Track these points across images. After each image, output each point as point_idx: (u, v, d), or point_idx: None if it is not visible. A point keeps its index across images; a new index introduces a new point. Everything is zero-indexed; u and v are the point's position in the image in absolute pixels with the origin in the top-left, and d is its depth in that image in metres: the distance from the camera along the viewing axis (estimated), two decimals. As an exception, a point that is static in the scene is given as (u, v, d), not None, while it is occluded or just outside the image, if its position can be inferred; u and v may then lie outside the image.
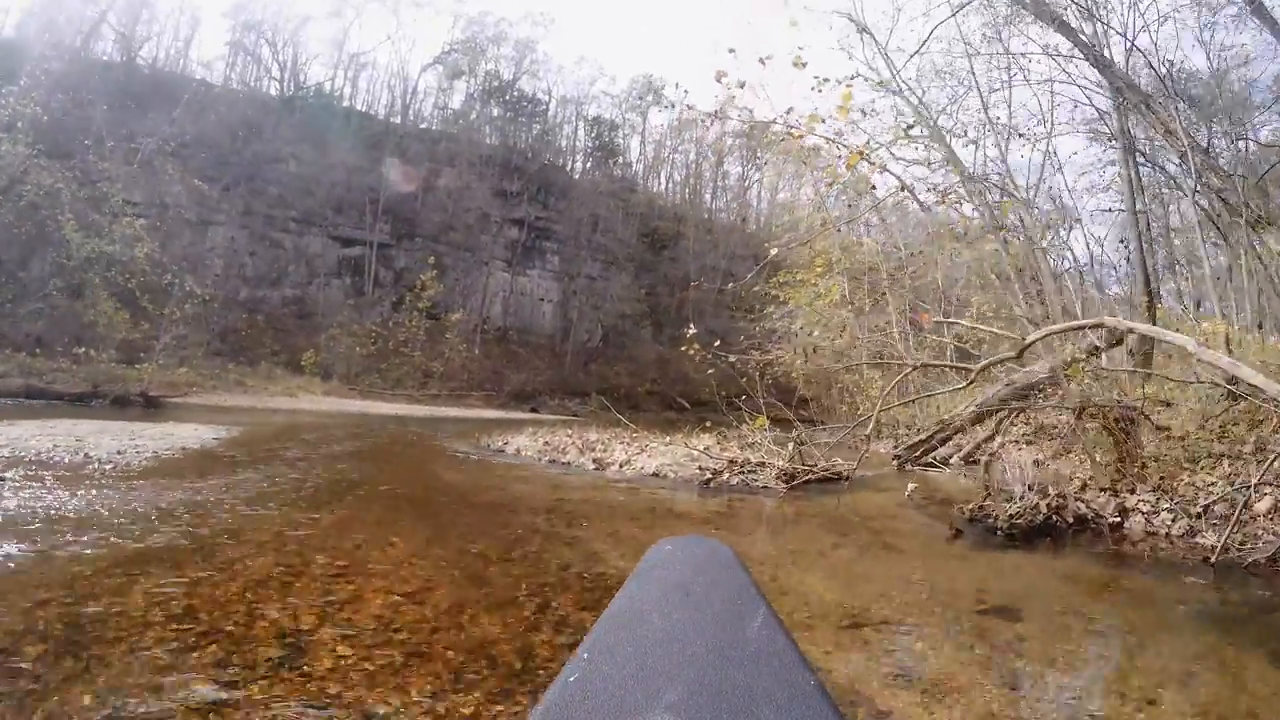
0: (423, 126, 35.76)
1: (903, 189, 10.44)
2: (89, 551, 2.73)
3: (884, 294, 11.30)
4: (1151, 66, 9.51)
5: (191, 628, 2.05)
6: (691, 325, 7.56)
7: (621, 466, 6.78)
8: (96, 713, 1.51)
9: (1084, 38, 9.13)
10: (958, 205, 10.92)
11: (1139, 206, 10.03)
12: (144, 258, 18.38)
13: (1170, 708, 1.88)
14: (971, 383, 5.87)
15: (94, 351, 16.21)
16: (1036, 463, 5.99)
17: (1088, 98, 10.96)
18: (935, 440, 8.30)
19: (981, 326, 7.93)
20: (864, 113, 10.28)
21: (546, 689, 0.44)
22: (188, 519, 3.43)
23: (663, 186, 43.60)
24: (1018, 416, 7.68)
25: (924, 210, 12.03)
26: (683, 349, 7.97)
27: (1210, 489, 4.77)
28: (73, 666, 1.73)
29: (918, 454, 8.16)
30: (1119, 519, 4.70)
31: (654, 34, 78.45)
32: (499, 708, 1.64)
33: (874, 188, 10.00)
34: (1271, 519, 4.02)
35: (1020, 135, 11.91)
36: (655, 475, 6.40)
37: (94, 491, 3.96)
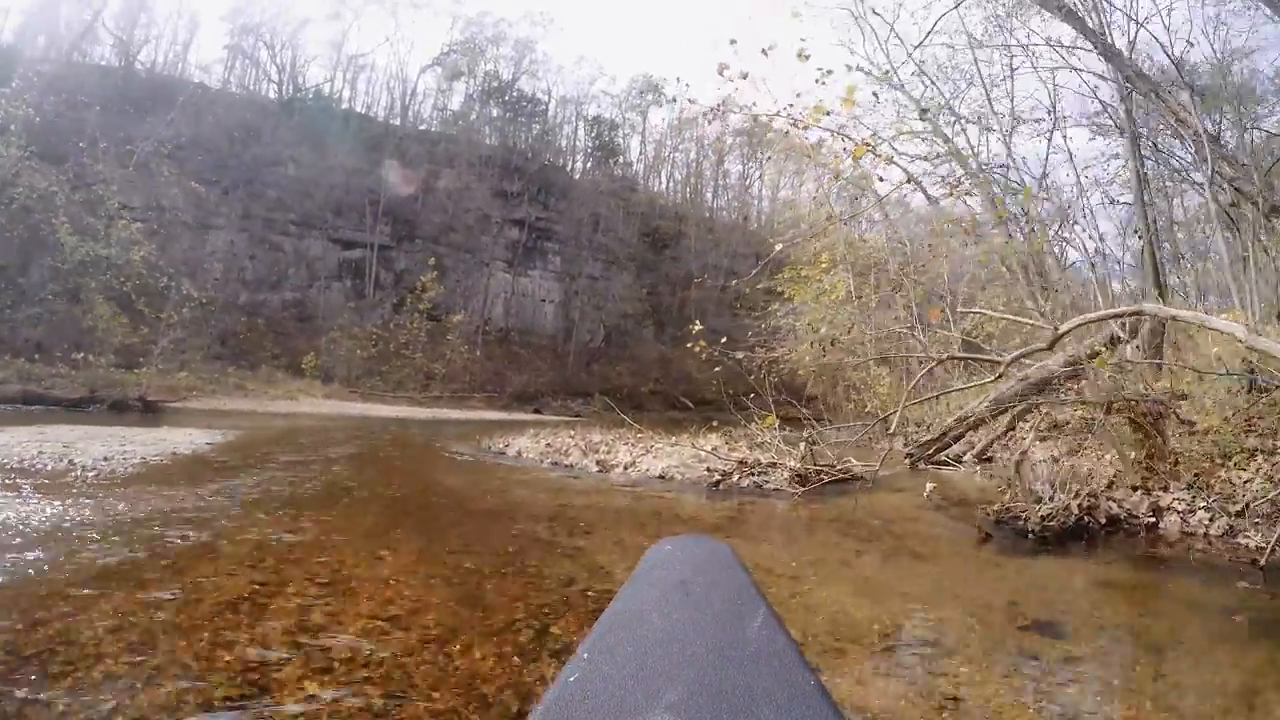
0: (422, 128, 35.55)
1: (909, 181, 10.21)
2: (47, 569, 2.51)
3: (895, 288, 11.05)
4: (1166, 53, 9.32)
5: (146, 659, 1.83)
6: (696, 323, 7.34)
7: (626, 469, 6.55)
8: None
9: (1090, 25, 8.91)
10: (965, 198, 10.70)
11: (1147, 198, 9.80)
12: (140, 261, 18.12)
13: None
14: (1000, 375, 5.63)
15: (92, 356, 15.98)
16: (1054, 459, 5.76)
17: (1092, 90, 10.79)
18: (949, 438, 8.05)
19: (1011, 316, 7.68)
20: (874, 95, 10.07)
21: (546, 689, 0.43)
22: (162, 531, 3.21)
23: (663, 186, 43.38)
24: (1032, 413, 7.42)
25: (931, 203, 11.81)
26: (688, 345, 7.76)
27: (1248, 486, 4.53)
28: (2, 710, 1.51)
29: (931, 452, 7.90)
30: (1153, 519, 4.45)
31: (654, 33, 78.10)
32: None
33: (881, 179, 9.78)
34: (1321, 518, 3.77)
35: (1023, 122, 11.69)
36: (661, 478, 6.16)
37: (69, 501, 3.74)
